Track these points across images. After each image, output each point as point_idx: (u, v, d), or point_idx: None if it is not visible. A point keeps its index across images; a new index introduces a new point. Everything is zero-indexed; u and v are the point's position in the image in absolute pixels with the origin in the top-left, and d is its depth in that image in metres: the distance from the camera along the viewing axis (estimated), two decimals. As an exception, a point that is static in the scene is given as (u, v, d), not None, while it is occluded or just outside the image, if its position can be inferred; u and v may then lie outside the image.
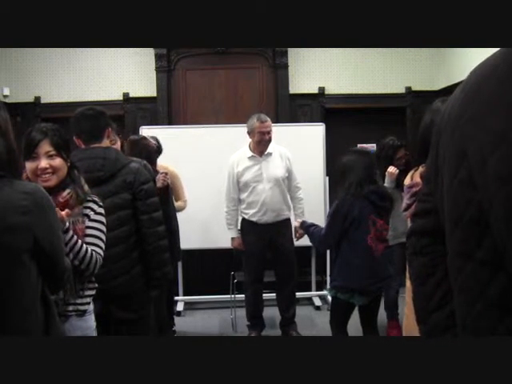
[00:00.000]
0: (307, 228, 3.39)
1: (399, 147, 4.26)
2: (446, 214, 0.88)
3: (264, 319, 4.50)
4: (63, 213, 1.90)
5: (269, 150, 4.22)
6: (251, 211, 4.24)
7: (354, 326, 3.39)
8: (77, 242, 1.97)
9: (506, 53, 0.81)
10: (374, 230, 3.12)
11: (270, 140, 4.16)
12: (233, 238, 4.45)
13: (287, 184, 4.30)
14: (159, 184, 3.47)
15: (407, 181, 2.00)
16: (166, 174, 3.68)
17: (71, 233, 1.96)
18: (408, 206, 1.94)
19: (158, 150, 4.24)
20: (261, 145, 4.16)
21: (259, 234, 4.24)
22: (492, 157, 0.74)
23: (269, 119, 4.20)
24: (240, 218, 4.39)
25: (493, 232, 0.75)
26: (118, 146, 3.17)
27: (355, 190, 3.08)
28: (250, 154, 4.23)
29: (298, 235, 4.31)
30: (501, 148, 0.73)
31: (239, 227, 4.43)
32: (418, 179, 1.91)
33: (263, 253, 4.32)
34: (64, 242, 1.93)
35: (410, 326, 1.94)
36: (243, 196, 4.27)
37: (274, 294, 4.56)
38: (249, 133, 4.20)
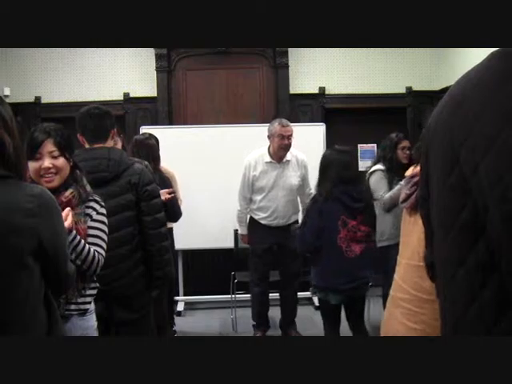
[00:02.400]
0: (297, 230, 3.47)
1: (404, 138, 4.30)
2: (437, 220, 0.88)
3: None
4: (65, 211, 1.90)
5: (287, 157, 4.19)
6: (261, 215, 4.27)
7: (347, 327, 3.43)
8: (80, 241, 1.97)
9: (488, 62, 0.83)
10: (346, 231, 3.16)
11: (289, 145, 4.13)
12: (242, 235, 4.49)
13: (300, 190, 4.30)
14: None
15: (408, 173, 1.97)
16: (173, 192, 3.65)
17: (74, 232, 1.96)
18: (407, 197, 1.90)
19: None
20: (281, 149, 4.13)
21: (267, 234, 4.27)
22: (483, 160, 0.76)
23: (290, 124, 4.18)
24: (248, 216, 4.41)
25: (487, 235, 0.76)
26: (119, 146, 3.16)
27: (327, 191, 3.17)
28: (269, 159, 4.20)
29: None
30: (491, 151, 0.75)
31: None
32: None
33: (270, 252, 4.33)
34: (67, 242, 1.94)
35: (389, 319, 1.93)
36: (256, 198, 4.28)
37: (276, 294, 4.56)
38: (269, 137, 4.17)
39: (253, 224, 4.37)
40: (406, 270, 1.85)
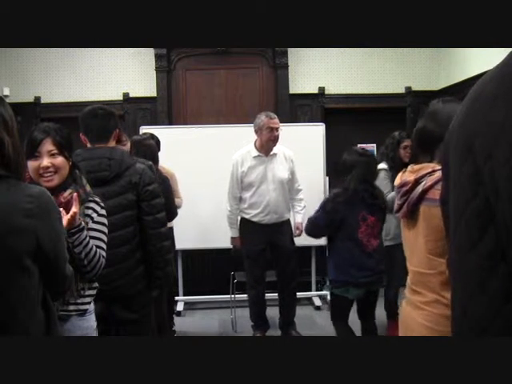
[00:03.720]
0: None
1: (406, 137, 4.32)
2: (452, 209, 0.90)
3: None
4: (71, 213, 1.90)
5: (274, 150, 4.18)
6: (253, 212, 4.21)
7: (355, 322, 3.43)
8: (89, 241, 1.98)
9: (505, 59, 0.84)
10: (365, 226, 3.27)
11: (277, 138, 4.11)
12: (233, 238, 4.42)
13: (289, 186, 4.28)
14: None
15: (397, 182, 1.98)
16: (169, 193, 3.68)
17: (85, 233, 1.97)
18: (400, 207, 1.92)
19: (157, 147, 4.26)
20: (270, 142, 4.10)
21: (259, 235, 4.21)
22: (495, 147, 0.77)
23: (276, 116, 4.17)
24: (239, 218, 4.36)
25: (497, 223, 0.77)
26: (128, 147, 3.15)
27: (347, 194, 3.24)
28: (256, 153, 4.17)
29: (298, 232, 4.33)
30: (502, 137, 0.76)
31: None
32: (407, 178, 1.89)
33: (263, 253, 4.29)
34: (79, 241, 1.94)
35: (406, 318, 1.93)
36: (246, 195, 4.23)
37: (274, 294, 4.55)
38: (256, 131, 4.14)
39: (244, 225, 4.30)
40: (418, 276, 1.86)
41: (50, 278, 1.47)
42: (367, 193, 3.29)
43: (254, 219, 4.22)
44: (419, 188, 1.79)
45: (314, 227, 3.39)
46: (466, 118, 0.88)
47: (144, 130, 5.03)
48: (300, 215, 4.33)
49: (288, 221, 4.32)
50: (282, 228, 4.26)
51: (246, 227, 4.29)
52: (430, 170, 1.76)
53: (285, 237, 4.27)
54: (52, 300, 1.53)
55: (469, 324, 0.85)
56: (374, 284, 3.34)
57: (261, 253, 4.27)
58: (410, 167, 1.92)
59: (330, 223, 3.27)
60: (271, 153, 4.18)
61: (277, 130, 4.09)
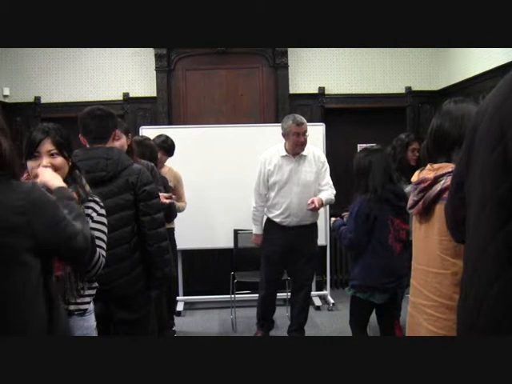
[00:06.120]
0: (338, 227, 3.36)
1: (414, 139, 4.31)
2: (476, 196, 0.90)
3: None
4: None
5: (304, 152, 4.08)
6: (275, 212, 4.13)
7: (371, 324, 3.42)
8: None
9: None
10: (393, 230, 3.15)
11: (305, 142, 4.03)
12: (256, 235, 4.31)
13: (317, 186, 4.14)
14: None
15: (414, 178, 1.97)
16: (171, 197, 3.65)
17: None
18: (415, 203, 1.90)
19: (169, 151, 4.25)
20: (296, 147, 4.03)
21: (280, 236, 4.12)
22: None
23: (305, 121, 4.07)
24: (265, 217, 4.27)
25: None
26: (122, 142, 3.13)
27: (377, 194, 3.11)
28: (284, 153, 4.09)
29: (311, 205, 3.95)
30: None
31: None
32: (426, 175, 1.87)
33: (282, 255, 4.17)
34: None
35: (413, 325, 1.92)
36: (270, 194, 4.15)
37: (279, 294, 4.51)
38: (283, 135, 4.07)
39: (268, 224, 4.23)
40: (425, 276, 1.84)
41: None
42: (391, 193, 3.15)
43: (276, 220, 4.14)
44: (438, 186, 1.77)
45: (352, 243, 3.20)
46: (501, 104, 0.86)
47: (144, 129, 5.04)
48: (325, 193, 4.10)
49: (313, 225, 4.19)
50: (305, 231, 4.14)
51: (269, 227, 4.22)
52: (450, 169, 1.74)
53: (307, 241, 4.15)
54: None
55: (484, 315, 0.84)
56: (400, 288, 3.23)
57: (279, 255, 4.17)
58: (429, 165, 1.90)
59: (368, 227, 3.11)
60: (300, 154, 4.08)
61: (304, 135, 4.01)
